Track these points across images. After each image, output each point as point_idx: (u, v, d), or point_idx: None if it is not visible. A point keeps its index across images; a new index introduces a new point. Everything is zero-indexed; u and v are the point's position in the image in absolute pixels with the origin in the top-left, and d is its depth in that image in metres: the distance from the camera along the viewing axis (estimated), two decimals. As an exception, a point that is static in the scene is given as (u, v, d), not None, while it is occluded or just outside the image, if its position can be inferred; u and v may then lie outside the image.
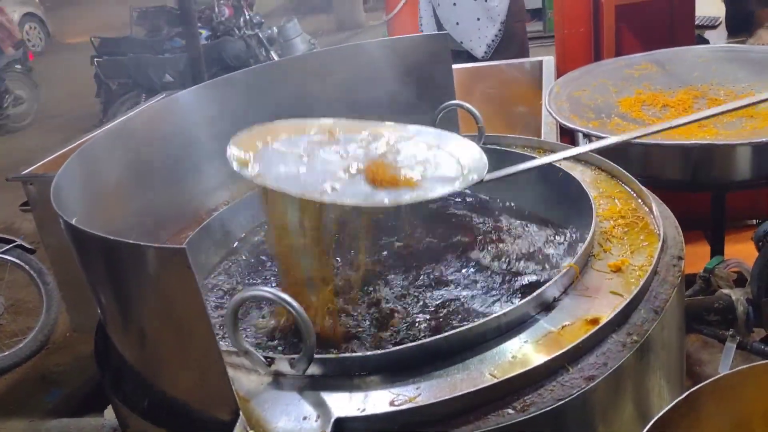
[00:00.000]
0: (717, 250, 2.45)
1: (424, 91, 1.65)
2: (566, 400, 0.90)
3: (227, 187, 1.65)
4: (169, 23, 7.05)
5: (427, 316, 1.17)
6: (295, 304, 0.95)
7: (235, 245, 1.49)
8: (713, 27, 4.92)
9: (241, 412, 0.91)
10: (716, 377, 0.82)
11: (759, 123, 1.63)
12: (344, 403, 0.95)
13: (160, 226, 1.51)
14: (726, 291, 2.16)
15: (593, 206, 1.23)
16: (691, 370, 2.45)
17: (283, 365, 1.01)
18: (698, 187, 1.71)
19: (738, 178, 1.60)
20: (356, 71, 1.68)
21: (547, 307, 1.05)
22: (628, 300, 1.01)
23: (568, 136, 2.32)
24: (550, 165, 1.42)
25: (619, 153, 1.74)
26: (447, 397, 0.90)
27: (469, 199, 1.56)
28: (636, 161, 1.66)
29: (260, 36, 6.08)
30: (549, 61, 2.74)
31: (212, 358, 0.90)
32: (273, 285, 1.33)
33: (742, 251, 2.56)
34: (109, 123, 3.21)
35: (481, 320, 1.00)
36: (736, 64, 2.01)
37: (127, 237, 1.41)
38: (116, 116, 4.91)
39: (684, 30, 3.07)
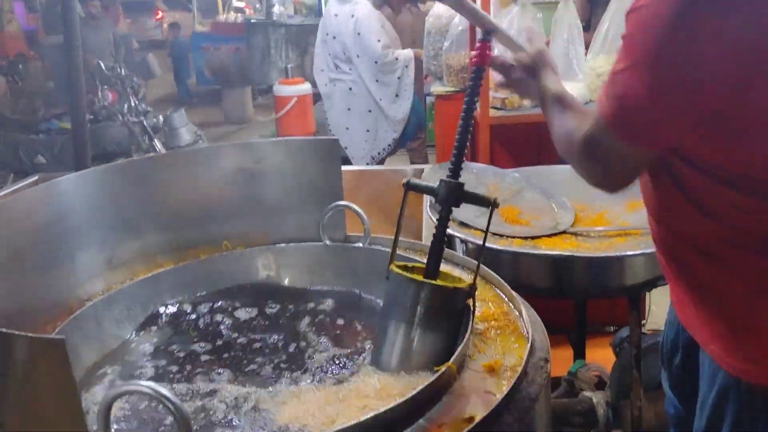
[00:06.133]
0: (579, 354, 2.61)
1: (312, 192, 1.70)
2: (443, 500, 0.92)
3: (103, 277, 1.60)
4: (47, 104, 6.86)
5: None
6: (174, 399, 0.93)
7: (110, 342, 1.43)
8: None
9: None
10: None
11: (619, 239, 1.81)
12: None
13: (27, 316, 1.42)
14: (588, 393, 2.30)
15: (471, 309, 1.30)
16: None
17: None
18: (562, 294, 1.84)
19: (597, 288, 1.75)
20: (246, 168, 1.71)
21: (426, 406, 1.08)
22: (500, 399, 1.06)
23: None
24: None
25: (491, 259, 1.85)
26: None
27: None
28: (507, 267, 1.77)
29: (144, 124, 6.00)
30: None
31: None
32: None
33: (601, 356, 2.74)
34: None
35: (362, 418, 1.01)
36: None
37: (-11, 326, 1.34)
38: (-20, 194, 4.62)
39: (550, 150, 3.36)
